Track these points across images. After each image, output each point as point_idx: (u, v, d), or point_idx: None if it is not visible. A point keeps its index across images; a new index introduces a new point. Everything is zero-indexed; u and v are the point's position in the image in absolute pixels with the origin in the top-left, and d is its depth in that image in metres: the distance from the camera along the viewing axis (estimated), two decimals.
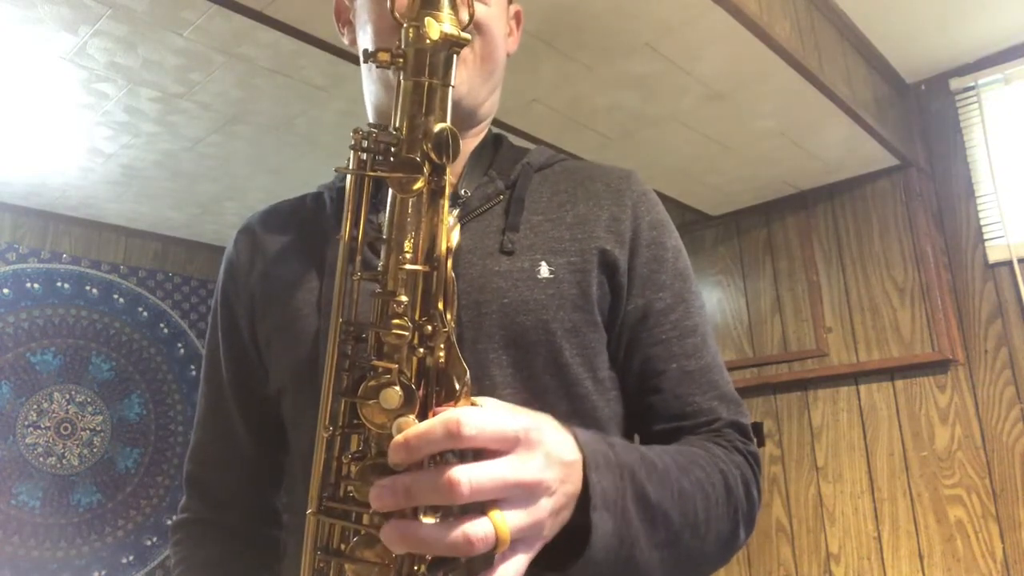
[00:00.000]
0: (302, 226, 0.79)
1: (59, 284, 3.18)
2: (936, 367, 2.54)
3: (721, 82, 2.10)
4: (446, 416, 0.47)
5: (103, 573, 3.05)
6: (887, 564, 2.54)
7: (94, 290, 3.27)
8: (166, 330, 3.47)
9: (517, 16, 0.84)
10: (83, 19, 1.86)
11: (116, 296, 3.33)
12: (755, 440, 0.73)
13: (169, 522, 0.86)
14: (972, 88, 2.62)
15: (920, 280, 2.59)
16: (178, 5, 1.81)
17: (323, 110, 2.33)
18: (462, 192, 0.74)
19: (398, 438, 0.47)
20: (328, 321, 0.56)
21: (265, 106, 2.31)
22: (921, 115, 2.74)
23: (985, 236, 2.55)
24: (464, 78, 0.72)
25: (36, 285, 3.12)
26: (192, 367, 3.51)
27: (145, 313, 3.41)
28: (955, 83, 2.65)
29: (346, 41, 0.82)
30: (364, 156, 0.56)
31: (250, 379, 0.79)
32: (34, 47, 1.97)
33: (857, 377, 2.70)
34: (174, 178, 2.83)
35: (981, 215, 2.56)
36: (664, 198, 2.84)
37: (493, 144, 0.80)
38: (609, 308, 0.72)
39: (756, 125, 2.34)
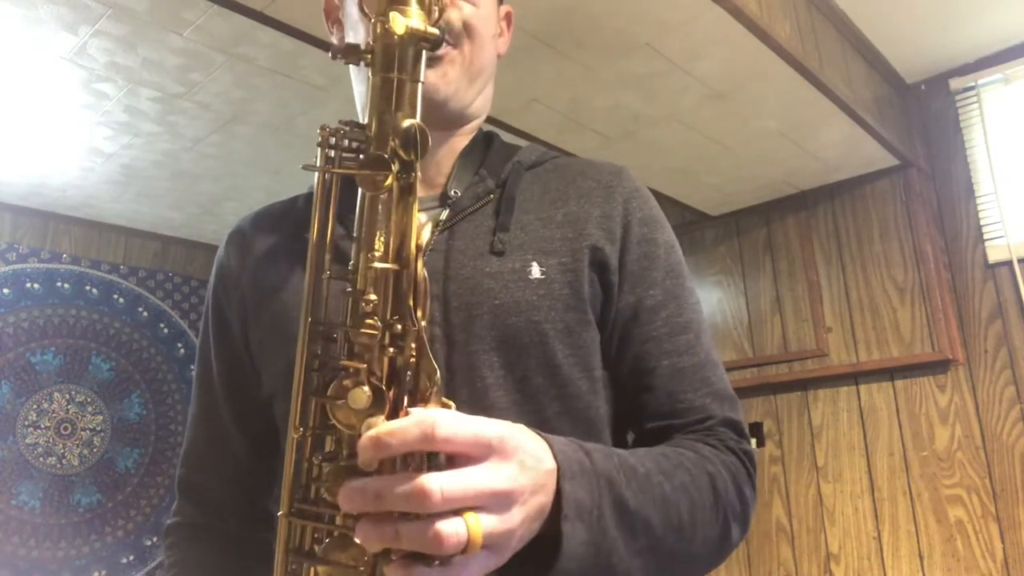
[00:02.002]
0: (293, 227, 0.78)
1: (59, 284, 3.18)
2: (936, 367, 2.54)
3: (721, 82, 2.09)
4: (421, 416, 0.47)
5: (103, 573, 3.05)
6: (887, 564, 2.54)
7: (94, 290, 3.27)
8: (166, 330, 3.47)
9: (508, 17, 0.83)
10: (83, 19, 1.86)
11: (116, 296, 3.33)
12: (751, 438, 0.72)
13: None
14: (972, 88, 2.62)
15: (920, 280, 2.59)
16: (178, 5, 1.81)
17: (323, 110, 2.33)
18: (452, 192, 0.73)
19: (367, 434, 0.46)
20: None
21: (265, 106, 2.31)
22: (921, 115, 2.74)
23: (985, 236, 2.54)
24: (451, 78, 0.72)
25: (36, 285, 3.12)
26: (192, 367, 3.50)
27: (145, 313, 3.41)
28: (955, 83, 2.65)
29: (335, 40, 0.81)
30: (332, 153, 0.56)
31: (243, 383, 0.79)
32: (34, 47, 1.97)
33: (857, 377, 2.70)
34: (174, 178, 2.83)
35: (981, 215, 2.56)
36: (664, 198, 2.85)
37: (483, 143, 0.80)
38: (601, 306, 0.72)
39: (756, 125, 2.34)
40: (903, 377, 2.61)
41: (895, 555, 2.53)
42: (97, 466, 3.13)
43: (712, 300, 3.07)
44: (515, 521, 0.49)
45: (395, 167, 0.51)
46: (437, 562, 0.46)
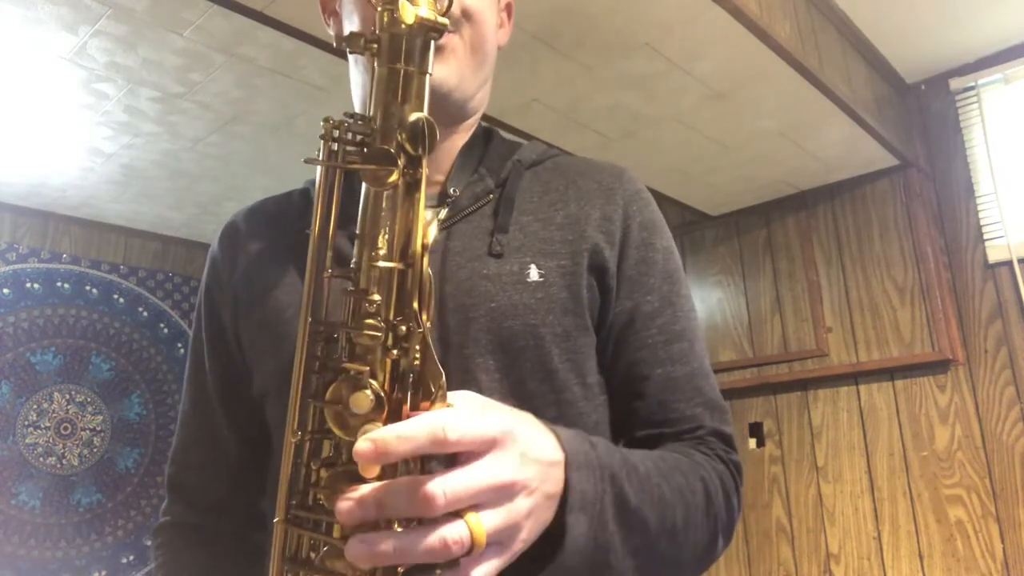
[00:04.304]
0: (287, 223, 0.77)
1: (59, 284, 3.18)
2: (936, 367, 2.54)
3: (721, 82, 2.09)
4: (430, 419, 0.45)
5: (103, 573, 3.05)
6: (887, 564, 2.54)
7: (94, 290, 3.27)
8: (166, 330, 3.47)
9: (508, 8, 0.81)
10: (83, 19, 1.86)
11: (116, 296, 3.33)
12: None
13: None
14: (972, 88, 2.62)
15: (920, 280, 2.59)
16: (178, 5, 1.81)
17: (323, 110, 2.33)
18: (451, 191, 0.72)
19: (368, 437, 0.44)
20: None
21: (265, 106, 2.31)
22: (921, 115, 2.74)
23: (985, 236, 2.54)
24: (454, 68, 0.69)
25: (36, 285, 3.12)
26: None
27: (145, 313, 3.41)
28: (955, 83, 2.65)
29: (331, 32, 0.79)
30: (335, 147, 0.53)
31: (235, 380, 0.77)
32: (34, 47, 1.97)
33: (857, 377, 2.70)
34: (174, 178, 2.83)
35: (981, 215, 2.56)
36: (664, 198, 2.85)
37: (483, 139, 0.78)
38: (599, 310, 0.71)
39: (756, 125, 2.34)
40: (903, 377, 2.61)
41: (895, 555, 2.53)
42: (97, 466, 3.13)
43: (712, 300, 3.07)
44: (520, 512, 0.47)
45: (401, 162, 0.49)
46: (438, 571, 0.45)
